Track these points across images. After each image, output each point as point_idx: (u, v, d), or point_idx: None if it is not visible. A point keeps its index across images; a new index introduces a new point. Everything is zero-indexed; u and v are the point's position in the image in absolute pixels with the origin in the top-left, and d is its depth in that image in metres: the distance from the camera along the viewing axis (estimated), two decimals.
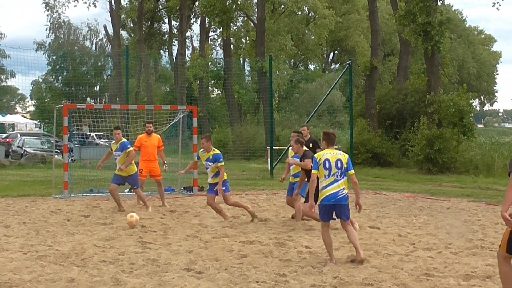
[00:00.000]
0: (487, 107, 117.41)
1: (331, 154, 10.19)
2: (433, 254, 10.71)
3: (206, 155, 14.55)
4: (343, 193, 10.08)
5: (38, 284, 8.51)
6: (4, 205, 17.43)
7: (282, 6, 61.00)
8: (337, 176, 10.05)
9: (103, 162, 17.50)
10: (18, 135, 44.94)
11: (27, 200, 18.77)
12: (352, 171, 10.20)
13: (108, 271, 9.29)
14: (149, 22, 62.93)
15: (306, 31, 67.84)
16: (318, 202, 10.30)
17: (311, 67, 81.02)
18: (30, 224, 13.94)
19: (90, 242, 11.66)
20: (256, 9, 48.77)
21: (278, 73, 55.20)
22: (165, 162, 18.39)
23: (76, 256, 10.36)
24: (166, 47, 68.26)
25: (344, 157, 10.26)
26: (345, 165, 10.14)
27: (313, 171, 10.15)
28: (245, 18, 58.08)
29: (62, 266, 9.68)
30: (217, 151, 14.56)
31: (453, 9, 77.60)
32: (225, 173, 14.47)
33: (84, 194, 20.22)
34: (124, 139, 16.82)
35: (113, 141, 16.89)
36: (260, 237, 12.23)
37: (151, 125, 18.40)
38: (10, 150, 40.00)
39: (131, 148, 16.62)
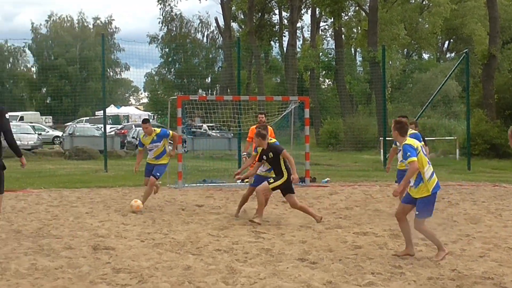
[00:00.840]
0: None
1: (418, 143, 9.66)
2: None
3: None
4: None
5: (155, 271, 8.72)
6: (121, 194, 17.99)
7: None
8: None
9: (138, 164, 15.72)
10: (133, 126, 46.18)
11: (143, 189, 19.16)
12: None
13: (223, 260, 9.43)
14: (260, 14, 63.33)
15: (420, 19, 66.59)
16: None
17: (425, 56, 79.60)
18: (146, 213, 14.33)
19: (204, 231, 11.88)
20: None
21: (390, 63, 54.48)
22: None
23: (191, 245, 10.58)
24: (276, 38, 68.53)
25: None
26: None
27: (413, 158, 9.23)
28: (357, 8, 57.63)
29: (178, 254, 9.90)
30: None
31: None
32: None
33: (197, 184, 20.64)
34: (157, 130, 15.53)
35: (143, 135, 15.61)
36: (374, 229, 12.15)
37: (263, 116, 18.28)
38: (125, 141, 41.24)
39: (171, 132, 15.77)
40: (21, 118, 60.05)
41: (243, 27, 66.10)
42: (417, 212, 9.43)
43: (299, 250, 10.12)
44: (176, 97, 21.28)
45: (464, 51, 30.55)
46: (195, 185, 20.53)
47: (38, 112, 68.79)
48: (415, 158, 9.20)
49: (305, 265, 9.14)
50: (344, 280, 8.29)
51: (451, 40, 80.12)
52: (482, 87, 36.75)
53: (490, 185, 20.79)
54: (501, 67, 58.39)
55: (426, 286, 8.02)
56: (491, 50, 35.99)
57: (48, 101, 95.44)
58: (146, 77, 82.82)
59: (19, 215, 13.85)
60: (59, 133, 50.08)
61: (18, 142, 40.02)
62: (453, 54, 79.96)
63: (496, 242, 10.81)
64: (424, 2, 67.03)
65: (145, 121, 15.80)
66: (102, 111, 29.66)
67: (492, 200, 16.90)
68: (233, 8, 62.25)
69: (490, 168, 27.81)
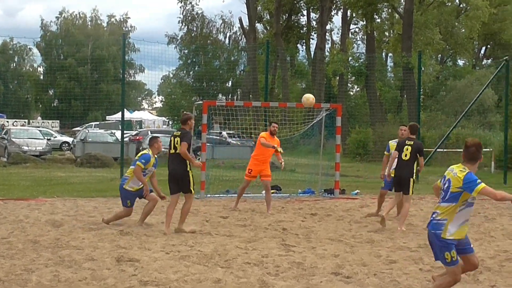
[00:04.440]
0: None
1: None
2: None
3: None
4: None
5: (184, 283, 9.04)
6: (141, 204, 18.08)
7: None
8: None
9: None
10: (149, 132, 46.39)
11: (166, 200, 19.36)
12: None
13: (253, 273, 9.73)
14: (287, 15, 63.54)
15: (456, 23, 66.52)
16: None
17: (460, 62, 79.43)
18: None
19: (232, 243, 12.16)
20: (403, 0, 48.47)
21: (423, 69, 54.55)
22: (282, 161, 17.84)
23: (219, 257, 10.86)
24: (303, 41, 68.65)
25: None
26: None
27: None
28: (391, 10, 57.75)
29: (206, 266, 10.18)
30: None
31: None
32: None
33: (220, 195, 20.82)
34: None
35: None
36: (409, 243, 12.42)
37: (276, 125, 17.85)
38: (141, 148, 41.54)
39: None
40: None
41: (268, 28, 66.31)
42: None
43: (332, 264, 10.41)
44: (201, 102, 21.49)
45: (504, 58, 30.65)
46: (218, 195, 20.70)
47: None
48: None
49: (339, 279, 9.45)
50: None
51: (488, 46, 79.92)
52: None
53: None
54: None
55: None
56: None
57: (55, 104, 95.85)
58: (162, 80, 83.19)
59: (34, 225, 13.98)
60: (68, 139, 50.38)
61: (25, 148, 40.10)
62: (489, 61, 79.76)
63: None
64: (461, 5, 66.97)
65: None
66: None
67: None
68: (258, 8, 62.39)
69: None
